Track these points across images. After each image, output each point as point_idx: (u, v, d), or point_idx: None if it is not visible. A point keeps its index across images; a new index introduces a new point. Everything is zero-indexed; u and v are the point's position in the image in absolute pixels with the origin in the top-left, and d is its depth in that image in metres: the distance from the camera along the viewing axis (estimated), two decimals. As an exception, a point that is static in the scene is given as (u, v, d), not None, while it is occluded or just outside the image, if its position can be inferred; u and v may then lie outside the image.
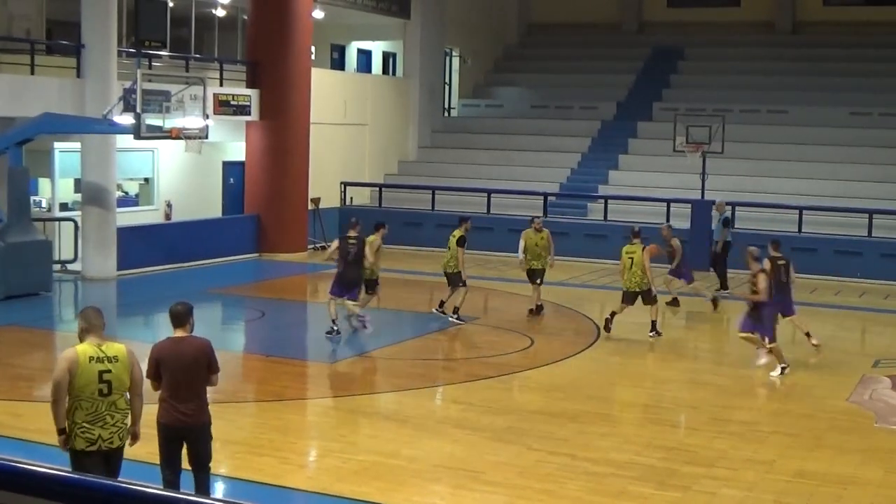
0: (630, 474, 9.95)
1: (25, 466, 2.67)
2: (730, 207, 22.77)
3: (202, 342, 8.24)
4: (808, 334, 15.85)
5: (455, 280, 17.40)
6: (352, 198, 28.28)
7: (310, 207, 25.62)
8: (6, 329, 16.40)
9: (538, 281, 18.28)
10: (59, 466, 2.76)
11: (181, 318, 8.15)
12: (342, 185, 28.07)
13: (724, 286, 20.52)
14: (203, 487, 8.26)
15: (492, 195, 26.88)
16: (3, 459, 2.66)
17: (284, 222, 24.73)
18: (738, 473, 10.10)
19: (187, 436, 8.14)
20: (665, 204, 25.33)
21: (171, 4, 23.57)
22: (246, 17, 26.19)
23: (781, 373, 14.03)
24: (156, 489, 2.59)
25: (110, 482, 2.68)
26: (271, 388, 13.13)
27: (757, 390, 13.50)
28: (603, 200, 26.39)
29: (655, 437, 11.26)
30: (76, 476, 2.64)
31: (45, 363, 15.09)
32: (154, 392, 8.13)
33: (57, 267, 20.42)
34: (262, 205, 24.68)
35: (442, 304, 17.66)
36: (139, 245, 21.65)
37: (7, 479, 2.63)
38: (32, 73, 20.17)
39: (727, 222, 21.26)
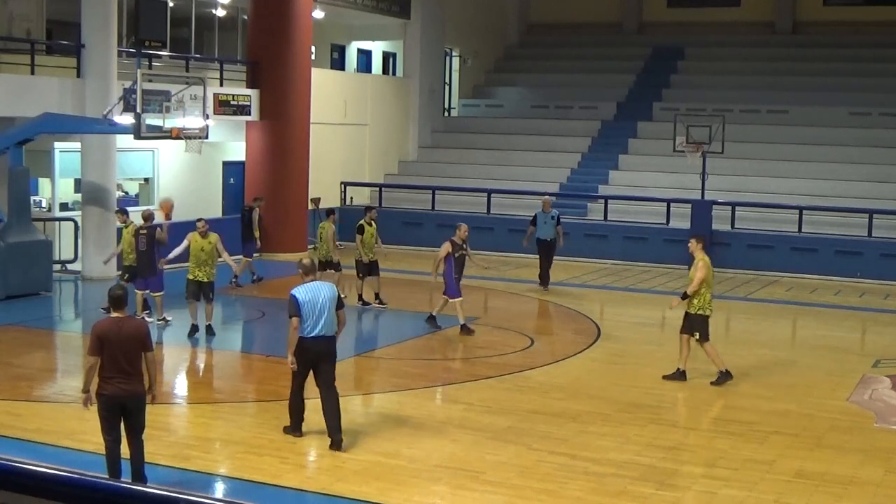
0: (630, 474, 9.94)
1: (25, 466, 2.67)
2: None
3: (140, 322, 9.25)
4: None
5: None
6: (352, 197, 28.28)
7: (310, 207, 25.61)
8: (6, 329, 16.39)
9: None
10: (59, 466, 2.76)
11: (120, 301, 8.88)
12: (342, 185, 28.08)
13: None
14: (139, 452, 9.01)
15: (492, 195, 26.87)
16: (3, 459, 2.66)
17: (284, 222, 24.73)
18: (738, 473, 10.10)
19: (127, 405, 8.83)
20: (665, 204, 25.35)
21: (171, 4, 23.57)
22: (246, 17, 26.19)
23: None
24: (156, 489, 2.59)
25: (110, 482, 2.68)
26: (271, 388, 13.11)
27: (757, 390, 13.49)
28: (603, 200, 26.39)
29: (655, 437, 11.25)
30: (76, 476, 2.65)
31: (45, 363, 15.13)
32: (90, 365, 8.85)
33: (57, 267, 20.42)
34: (263, 205, 24.65)
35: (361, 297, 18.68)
36: (139, 245, 21.60)
37: (7, 479, 2.63)
38: (32, 73, 20.18)
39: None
